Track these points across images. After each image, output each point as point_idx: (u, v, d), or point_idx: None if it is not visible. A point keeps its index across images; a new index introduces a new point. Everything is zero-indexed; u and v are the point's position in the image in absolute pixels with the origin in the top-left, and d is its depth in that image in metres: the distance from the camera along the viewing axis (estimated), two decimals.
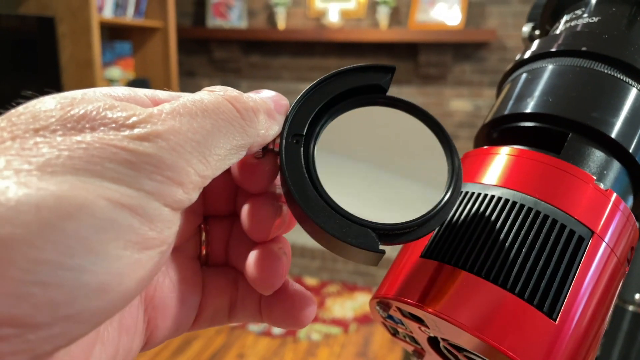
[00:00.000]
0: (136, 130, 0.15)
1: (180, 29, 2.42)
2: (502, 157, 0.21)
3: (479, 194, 0.20)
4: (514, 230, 0.19)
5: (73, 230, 0.13)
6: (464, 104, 2.34)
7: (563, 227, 0.19)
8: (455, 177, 0.19)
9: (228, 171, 0.20)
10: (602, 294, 0.19)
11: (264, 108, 0.18)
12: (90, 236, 0.13)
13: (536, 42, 0.27)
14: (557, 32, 0.28)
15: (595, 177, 0.20)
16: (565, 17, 0.28)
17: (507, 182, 0.20)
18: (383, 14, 2.38)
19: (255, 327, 2.01)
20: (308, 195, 0.18)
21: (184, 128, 0.15)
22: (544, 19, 0.31)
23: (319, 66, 2.48)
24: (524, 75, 0.25)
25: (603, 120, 0.21)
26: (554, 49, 0.25)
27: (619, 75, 0.23)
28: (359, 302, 2.15)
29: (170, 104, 0.16)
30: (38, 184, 0.13)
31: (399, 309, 0.20)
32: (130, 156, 0.14)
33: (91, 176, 0.14)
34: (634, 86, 0.23)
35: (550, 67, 0.24)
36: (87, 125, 0.15)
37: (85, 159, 0.14)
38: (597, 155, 0.21)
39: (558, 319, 0.17)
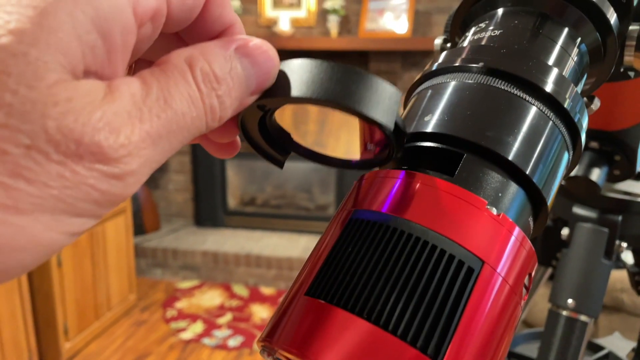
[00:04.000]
0: (112, 169, 0.14)
1: None
2: (394, 182, 0.20)
3: (367, 223, 0.19)
4: (399, 264, 0.17)
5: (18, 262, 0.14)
6: None
7: (452, 257, 0.17)
8: None
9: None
10: (494, 327, 0.17)
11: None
12: (31, 264, 0.14)
13: (443, 54, 0.26)
14: (464, 45, 0.27)
15: (488, 201, 0.19)
16: (473, 30, 0.27)
17: (397, 209, 0.19)
18: (333, 22, 2.38)
19: (209, 341, 1.96)
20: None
21: (157, 156, 0.15)
22: (454, 31, 0.30)
23: None
24: (429, 92, 0.24)
25: (498, 140, 0.20)
26: (456, 64, 0.24)
27: (516, 92, 0.22)
28: None
29: (156, 118, 0.15)
30: (16, 223, 0.13)
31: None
32: (100, 196, 0.14)
33: (62, 214, 0.14)
34: (532, 103, 0.22)
35: (452, 82, 0.23)
36: (76, 152, 0.14)
37: (64, 199, 0.14)
38: (492, 178, 0.20)
39: None
